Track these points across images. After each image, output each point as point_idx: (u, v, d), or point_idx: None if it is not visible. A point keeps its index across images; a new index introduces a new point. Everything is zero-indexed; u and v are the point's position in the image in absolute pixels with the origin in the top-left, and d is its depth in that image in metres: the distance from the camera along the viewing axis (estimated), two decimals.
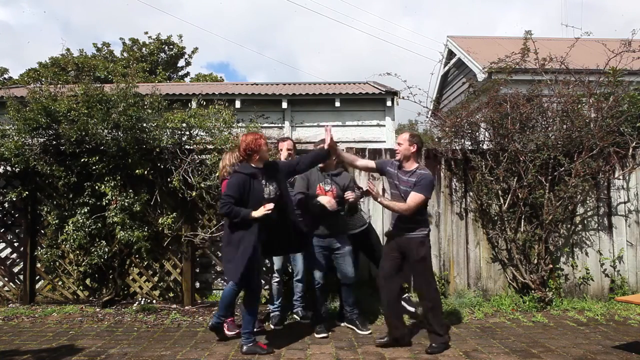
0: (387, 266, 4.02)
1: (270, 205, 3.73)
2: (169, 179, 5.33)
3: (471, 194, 5.60)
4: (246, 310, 3.89)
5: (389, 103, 8.67)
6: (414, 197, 3.85)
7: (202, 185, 5.17)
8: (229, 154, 4.43)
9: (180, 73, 22.06)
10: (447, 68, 13.09)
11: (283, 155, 4.65)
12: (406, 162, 4.00)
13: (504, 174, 5.28)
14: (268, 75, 69.37)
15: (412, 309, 4.62)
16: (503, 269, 5.55)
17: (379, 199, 3.89)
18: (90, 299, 5.58)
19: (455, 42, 12.17)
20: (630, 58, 5.67)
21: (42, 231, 5.66)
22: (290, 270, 4.93)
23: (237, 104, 8.26)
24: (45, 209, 5.43)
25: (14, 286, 5.69)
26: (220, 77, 21.21)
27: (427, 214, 4.22)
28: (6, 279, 5.70)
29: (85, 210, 5.29)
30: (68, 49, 19.29)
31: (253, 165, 3.88)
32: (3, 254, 5.76)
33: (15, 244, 5.74)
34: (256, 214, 3.71)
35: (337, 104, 8.51)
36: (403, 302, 4.45)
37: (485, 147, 5.64)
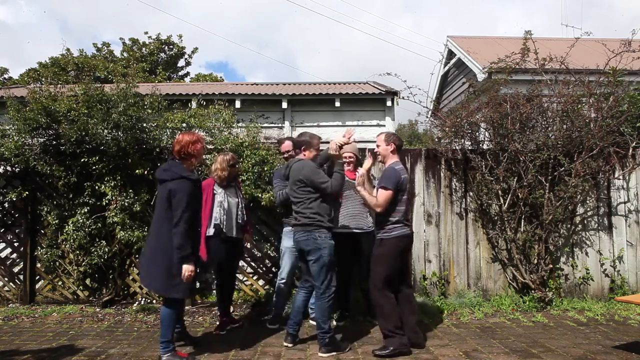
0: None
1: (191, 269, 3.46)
2: None
3: (471, 194, 5.60)
4: (169, 319, 3.58)
5: (389, 103, 8.68)
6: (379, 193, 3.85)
7: None
8: (222, 155, 4.45)
9: (180, 73, 22.09)
10: (447, 68, 13.10)
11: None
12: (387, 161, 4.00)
13: (504, 174, 5.28)
14: (267, 75, 69.51)
15: None
16: (503, 269, 5.55)
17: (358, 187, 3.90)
18: (90, 299, 5.58)
19: (455, 42, 12.18)
20: (630, 58, 5.67)
21: (42, 231, 5.65)
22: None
23: (237, 104, 8.26)
24: (45, 209, 5.42)
25: (14, 286, 5.69)
26: (220, 77, 21.23)
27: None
28: (6, 279, 5.70)
29: (85, 210, 5.29)
30: (68, 49, 19.36)
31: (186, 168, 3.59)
32: (3, 254, 5.76)
33: (15, 244, 5.74)
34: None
35: (337, 104, 8.51)
36: None
37: (485, 147, 5.64)
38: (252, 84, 10.75)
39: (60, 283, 5.67)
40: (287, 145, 4.70)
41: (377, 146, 4.01)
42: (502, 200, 5.36)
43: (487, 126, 5.56)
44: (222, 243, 4.24)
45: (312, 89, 9.11)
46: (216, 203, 4.32)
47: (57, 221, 5.37)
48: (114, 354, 3.86)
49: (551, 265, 5.34)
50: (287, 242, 4.53)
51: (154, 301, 5.56)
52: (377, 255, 3.87)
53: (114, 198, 5.23)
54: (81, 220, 5.24)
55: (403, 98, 6.62)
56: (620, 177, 5.62)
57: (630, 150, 5.49)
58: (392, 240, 3.80)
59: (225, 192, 4.37)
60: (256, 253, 5.73)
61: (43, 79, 15.20)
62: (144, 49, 20.97)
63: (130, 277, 5.62)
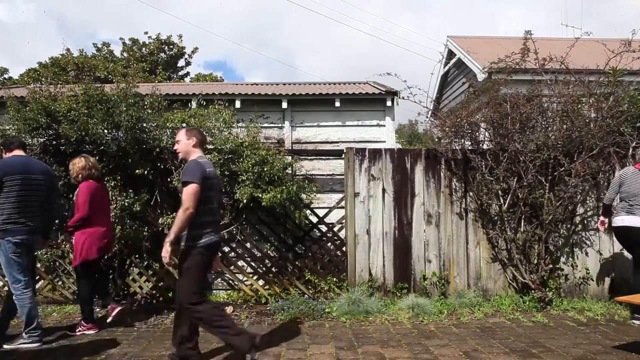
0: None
1: None
2: (169, 179, 5.33)
3: (471, 194, 5.59)
4: None
5: (389, 103, 8.66)
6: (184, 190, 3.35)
7: None
8: (84, 158, 4.50)
9: (180, 73, 22.08)
10: (447, 68, 13.09)
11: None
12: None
13: (504, 174, 5.29)
14: (266, 74, 69.51)
15: None
16: (503, 269, 5.55)
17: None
18: None
19: (455, 42, 12.17)
20: (630, 58, 5.66)
21: None
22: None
23: (237, 104, 8.24)
24: None
25: None
26: (220, 77, 21.24)
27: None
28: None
29: None
30: (68, 49, 19.32)
31: None
32: None
33: None
34: None
35: (337, 104, 8.50)
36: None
37: (485, 147, 5.64)
38: (252, 84, 10.75)
39: (60, 283, 5.67)
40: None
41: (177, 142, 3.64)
42: (502, 200, 5.36)
43: (487, 126, 5.56)
44: None
45: (312, 89, 9.10)
46: None
47: (57, 221, 5.35)
48: (114, 354, 3.86)
49: (551, 265, 5.34)
50: None
51: (154, 301, 5.56)
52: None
53: (114, 198, 5.23)
54: None
55: (403, 98, 6.62)
56: None
57: (630, 150, 5.49)
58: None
59: None
60: (256, 253, 5.73)
61: (43, 79, 15.18)
62: (144, 49, 20.96)
63: (130, 277, 5.62)
